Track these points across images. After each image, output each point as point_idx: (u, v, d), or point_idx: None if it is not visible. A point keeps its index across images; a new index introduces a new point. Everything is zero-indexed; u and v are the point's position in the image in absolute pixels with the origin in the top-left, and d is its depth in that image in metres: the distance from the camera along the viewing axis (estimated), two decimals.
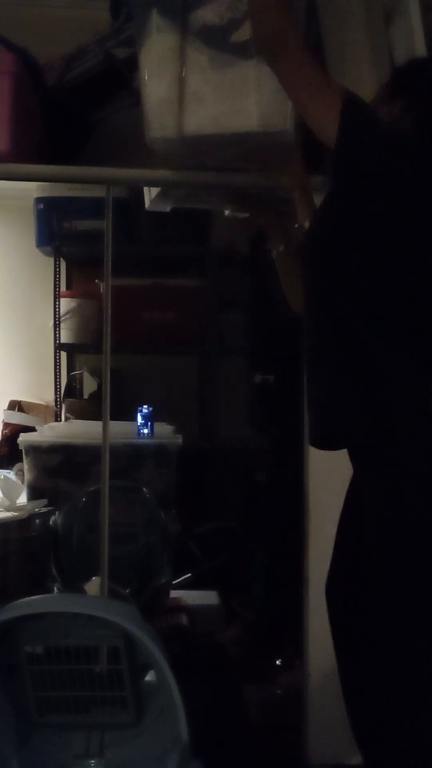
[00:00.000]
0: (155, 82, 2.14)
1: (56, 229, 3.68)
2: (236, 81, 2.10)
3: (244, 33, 2.09)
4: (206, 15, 2.12)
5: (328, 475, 2.40)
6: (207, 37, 2.13)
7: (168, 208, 2.57)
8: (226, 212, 2.61)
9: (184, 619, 3.09)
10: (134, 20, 2.22)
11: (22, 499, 3.04)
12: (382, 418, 1.80)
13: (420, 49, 2.21)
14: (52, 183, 3.44)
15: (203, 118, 2.14)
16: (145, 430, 3.29)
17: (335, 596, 2.06)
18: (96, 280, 3.70)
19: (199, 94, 2.14)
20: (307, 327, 1.99)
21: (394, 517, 1.78)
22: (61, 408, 3.79)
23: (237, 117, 2.13)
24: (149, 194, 2.58)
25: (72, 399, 3.82)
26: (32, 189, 3.66)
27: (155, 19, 2.14)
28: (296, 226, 2.22)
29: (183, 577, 3.44)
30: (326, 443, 1.97)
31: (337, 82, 1.90)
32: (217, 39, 2.12)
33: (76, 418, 3.60)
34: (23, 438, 3.25)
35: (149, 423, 3.30)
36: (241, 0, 2.07)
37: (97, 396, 3.64)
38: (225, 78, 2.12)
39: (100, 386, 3.56)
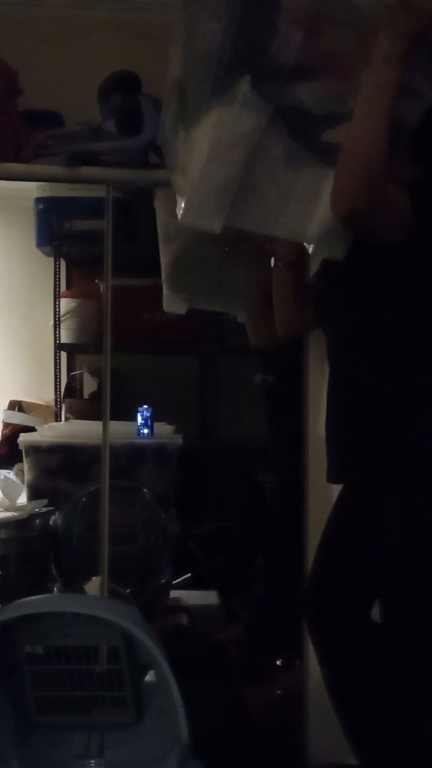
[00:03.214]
0: (216, 167, 1.76)
1: (56, 229, 3.68)
2: (307, 186, 1.77)
3: (339, 135, 1.73)
4: (304, 94, 1.74)
5: None
6: (292, 121, 1.76)
7: (184, 311, 2.44)
8: (239, 318, 2.55)
9: (184, 619, 3.09)
10: (209, 74, 1.75)
11: (22, 499, 3.04)
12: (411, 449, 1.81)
13: None
14: (52, 183, 3.44)
15: (253, 214, 1.82)
16: (145, 430, 3.29)
17: (324, 603, 2.06)
18: (96, 280, 3.70)
19: (260, 189, 1.79)
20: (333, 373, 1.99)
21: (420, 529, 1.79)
22: (61, 408, 3.79)
23: (292, 224, 1.82)
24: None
25: (72, 399, 3.82)
26: (32, 189, 3.65)
27: (244, 89, 1.71)
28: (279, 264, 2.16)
29: (183, 577, 3.44)
30: (343, 478, 1.99)
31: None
32: (304, 128, 1.77)
33: (76, 418, 3.60)
34: (23, 438, 3.25)
35: (149, 423, 3.30)
36: (351, 94, 1.70)
37: (97, 396, 3.63)
38: (296, 177, 1.78)
39: (100, 386, 3.56)
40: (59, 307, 3.78)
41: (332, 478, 2.01)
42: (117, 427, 2.82)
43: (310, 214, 1.78)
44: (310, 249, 1.87)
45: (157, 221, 2.42)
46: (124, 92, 2.41)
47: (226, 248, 2.20)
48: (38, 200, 3.71)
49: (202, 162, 1.77)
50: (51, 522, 2.94)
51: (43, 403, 3.88)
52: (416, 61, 1.69)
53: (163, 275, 2.40)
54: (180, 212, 1.83)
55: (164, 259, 2.36)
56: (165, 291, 2.44)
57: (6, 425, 3.72)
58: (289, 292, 2.19)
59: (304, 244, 1.87)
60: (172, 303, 2.45)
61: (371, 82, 1.68)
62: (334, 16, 1.72)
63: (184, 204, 1.81)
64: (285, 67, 1.72)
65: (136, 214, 3.48)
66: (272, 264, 2.17)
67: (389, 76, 1.67)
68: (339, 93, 1.74)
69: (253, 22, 1.72)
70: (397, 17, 1.67)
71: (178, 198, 1.86)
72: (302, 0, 1.74)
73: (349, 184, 1.69)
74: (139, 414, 3.30)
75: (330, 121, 1.75)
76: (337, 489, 2.12)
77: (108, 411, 2.42)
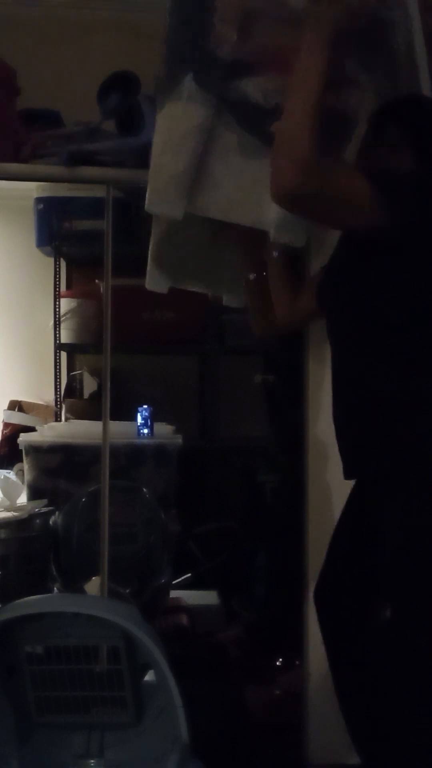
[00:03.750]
0: (171, 157, 1.89)
1: (56, 229, 3.68)
2: (261, 172, 1.82)
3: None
4: (249, 88, 1.86)
5: (328, 476, 2.40)
6: (242, 114, 1.87)
7: (166, 289, 2.44)
8: (224, 301, 2.52)
9: (184, 619, 3.09)
10: (163, 75, 1.91)
11: (22, 499, 3.04)
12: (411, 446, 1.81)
13: (420, 50, 2.20)
14: (52, 183, 3.44)
15: (213, 202, 1.93)
16: (145, 430, 3.29)
17: (328, 601, 2.07)
18: (96, 280, 3.70)
19: (216, 177, 1.91)
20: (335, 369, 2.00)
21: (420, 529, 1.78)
22: (61, 408, 3.79)
23: (251, 211, 1.92)
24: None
25: (72, 399, 3.82)
26: (32, 189, 3.65)
27: (188, 85, 1.84)
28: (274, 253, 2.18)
29: (183, 577, 3.44)
30: (355, 474, 1.99)
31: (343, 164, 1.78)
32: (253, 120, 1.87)
33: (76, 418, 3.60)
34: (23, 438, 3.25)
35: (149, 423, 3.30)
36: None
37: (97, 396, 3.63)
38: (249, 166, 1.89)
39: (100, 386, 3.56)
40: (59, 307, 3.78)
41: (345, 475, 2.01)
42: (117, 427, 2.81)
43: (266, 201, 1.83)
44: (271, 235, 1.93)
45: None
46: (123, 92, 2.41)
47: (223, 232, 2.21)
48: (38, 200, 3.71)
49: (158, 153, 1.89)
50: (51, 522, 2.94)
51: (43, 403, 3.88)
52: (351, 50, 1.79)
53: (150, 251, 2.39)
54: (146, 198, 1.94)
55: (154, 235, 2.36)
56: (149, 268, 2.41)
57: (6, 425, 3.72)
58: (281, 279, 2.19)
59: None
60: (156, 281, 2.44)
61: (296, 71, 1.73)
62: (268, 14, 1.80)
63: (147, 193, 1.93)
64: (223, 63, 1.82)
65: (136, 214, 3.47)
66: (265, 253, 2.19)
67: (312, 64, 1.71)
68: (283, 86, 1.80)
69: (188, 20, 1.83)
70: (318, 8, 1.73)
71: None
72: (232, 0, 1.81)
73: (280, 169, 1.71)
74: (139, 414, 3.30)
75: (275, 112, 1.81)
76: (336, 489, 2.12)
77: (108, 411, 2.42)
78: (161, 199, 1.93)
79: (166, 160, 1.90)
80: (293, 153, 1.69)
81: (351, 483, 2.03)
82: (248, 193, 1.89)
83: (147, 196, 1.95)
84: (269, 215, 1.90)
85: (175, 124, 1.88)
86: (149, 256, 2.39)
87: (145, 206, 1.98)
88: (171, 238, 2.25)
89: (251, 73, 1.86)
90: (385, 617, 1.90)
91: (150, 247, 2.37)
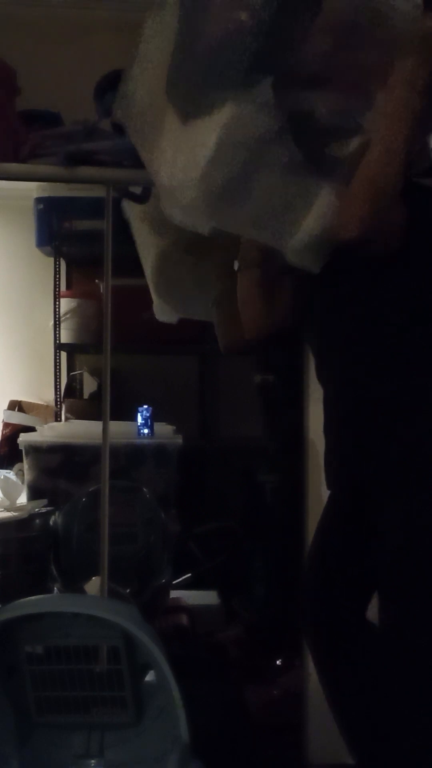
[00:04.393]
0: (218, 167, 1.68)
1: (56, 229, 3.68)
2: (296, 193, 1.70)
3: (347, 149, 1.68)
4: (316, 101, 1.68)
5: None
6: (299, 127, 1.68)
7: (175, 320, 2.38)
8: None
9: (184, 619, 3.09)
10: (220, 65, 1.65)
11: (22, 499, 3.04)
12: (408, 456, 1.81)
13: None
14: (52, 183, 3.44)
15: (238, 217, 1.76)
16: (145, 430, 3.29)
17: (326, 600, 2.06)
18: (96, 280, 3.70)
19: (251, 194, 1.72)
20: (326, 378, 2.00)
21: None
22: (61, 408, 3.79)
23: (274, 231, 1.75)
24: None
25: (72, 399, 3.82)
26: (32, 189, 3.66)
27: (264, 91, 1.62)
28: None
29: (183, 577, 3.44)
30: (338, 484, 1.99)
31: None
32: (309, 137, 1.70)
33: (76, 418, 3.60)
34: (23, 438, 3.25)
35: (149, 423, 3.30)
36: (360, 110, 1.65)
37: (97, 396, 3.64)
38: (287, 185, 1.71)
39: (100, 386, 3.56)
40: (59, 307, 3.78)
41: (329, 485, 2.01)
42: (117, 427, 2.82)
43: (297, 223, 1.72)
44: (287, 258, 1.81)
45: (133, 232, 2.37)
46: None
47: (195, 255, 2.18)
48: (38, 200, 3.71)
49: (205, 160, 1.68)
50: (51, 522, 2.94)
51: (43, 403, 3.88)
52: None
53: (150, 284, 2.39)
54: (166, 208, 1.79)
55: (146, 268, 2.35)
56: (154, 299, 2.41)
57: (6, 425, 3.72)
58: (252, 292, 2.16)
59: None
60: (163, 311, 2.45)
61: (395, 108, 1.66)
62: (367, 30, 1.66)
63: (173, 200, 1.76)
64: (308, 75, 1.67)
65: None
66: (235, 267, 2.13)
67: (414, 104, 1.65)
68: (349, 107, 1.69)
69: (288, 22, 1.63)
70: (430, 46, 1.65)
71: (162, 190, 1.80)
72: (343, 8, 1.67)
73: (364, 209, 1.66)
74: (139, 414, 3.30)
75: (336, 133, 1.70)
76: None
77: (108, 411, 2.42)
78: (191, 210, 1.75)
79: (213, 170, 1.69)
80: (379, 198, 1.66)
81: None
82: (276, 212, 1.74)
83: (169, 201, 1.79)
84: (295, 237, 1.74)
85: (236, 131, 1.67)
86: (150, 289, 2.39)
87: (167, 214, 1.81)
88: (162, 267, 2.23)
89: (323, 87, 1.70)
90: (382, 617, 1.90)
91: (147, 279, 2.37)
